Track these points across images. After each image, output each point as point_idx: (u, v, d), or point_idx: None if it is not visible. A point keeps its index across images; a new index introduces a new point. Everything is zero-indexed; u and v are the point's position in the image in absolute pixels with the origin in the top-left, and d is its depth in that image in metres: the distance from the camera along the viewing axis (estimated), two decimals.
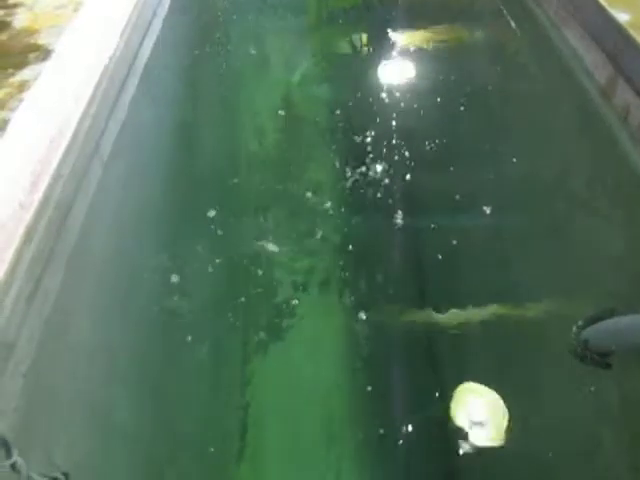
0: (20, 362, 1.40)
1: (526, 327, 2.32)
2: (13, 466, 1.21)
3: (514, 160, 2.49)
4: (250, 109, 4.22)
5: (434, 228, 3.57)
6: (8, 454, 1.22)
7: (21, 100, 1.51)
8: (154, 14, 2.39)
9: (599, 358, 1.47)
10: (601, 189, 1.78)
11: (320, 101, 4.27)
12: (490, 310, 2.67)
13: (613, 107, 1.71)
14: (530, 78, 2.40)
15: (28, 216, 1.46)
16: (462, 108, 3.08)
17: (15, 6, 1.90)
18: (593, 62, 1.83)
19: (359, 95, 4.17)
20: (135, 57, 2.23)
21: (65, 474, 1.40)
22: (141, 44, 2.29)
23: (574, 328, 1.54)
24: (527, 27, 2.35)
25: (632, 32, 1.69)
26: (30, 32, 1.77)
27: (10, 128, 1.45)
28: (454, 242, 3.27)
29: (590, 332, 1.49)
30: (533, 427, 2.16)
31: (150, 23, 2.34)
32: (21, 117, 1.49)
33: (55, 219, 1.56)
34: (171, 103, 2.76)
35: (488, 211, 2.86)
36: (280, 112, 4.10)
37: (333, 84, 4.31)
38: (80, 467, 1.52)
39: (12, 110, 1.48)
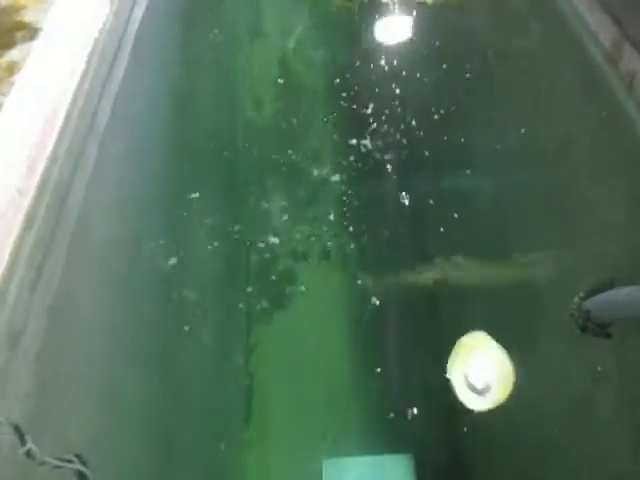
0: (29, 348, 1.41)
1: (527, 289, 2.34)
2: (27, 453, 1.24)
3: (516, 124, 2.46)
4: (247, 75, 4.14)
5: (436, 189, 3.56)
6: (22, 441, 1.24)
7: (12, 84, 1.48)
8: None
9: (599, 329, 1.49)
10: (604, 156, 1.77)
11: (318, 64, 4.19)
12: (490, 270, 2.69)
13: (618, 71, 1.68)
14: (532, 39, 2.34)
15: (27, 202, 1.45)
16: (462, 70, 3.03)
17: None
18: (598, 24, 1.79)
19: (358, 53, 4.08)
20: (125, 28, 2.17)
21: (77, 455, 1.43)
22: (131, 13, 2.23)
23: (575, 299, 1.55)
24: None
25: None
26: (16, 9, 1.71)
27: (3, 113, 1.43)
28: (455, 205, 3.26)
29: (591, 303, 1.50)
30: (534, 387, 2.20)
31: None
32: (14, 101, 1.46)
33: (54, 203, 1.55)
34: (165, 73, 2.71)
35: (490, 173, 2.84)
36: (278, 78, 4.04)
37: (331, 45, 4.22)
38: (91, 446, 1.56)
39: (4, 95, 1.45)
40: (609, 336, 1.52)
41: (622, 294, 1.42)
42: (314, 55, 4.20)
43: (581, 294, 1.56)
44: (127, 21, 2.17)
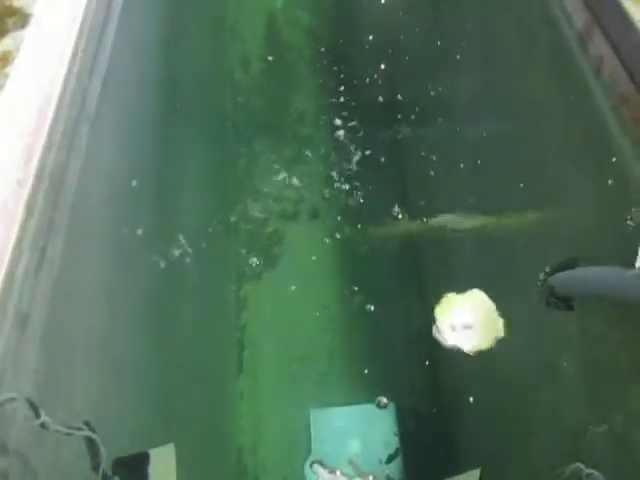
0: (36, 327, 1.53)
1: (505, 249, 2.47)
2: (42, 425, 1.37)
3: (489, 98, 2.54)
4: (236, 37, 4.11)
5: (418, 144, 3.64)
6: (37, 414, 1.37)
7: (6, 75, 1.53)
8: None
9: (562, 303, 1.62)
10: (574, 137, 1.86)
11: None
12: (472, 224, 2.81)
13: (589, 55, 1.75)
14: (510, 14, 2.39)
15: (26, 191, 1.53)
16: (444, 40, 3.06)
17: None
18: (572, 6, 1.85)
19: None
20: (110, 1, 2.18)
21: (86, 422, 1.57)
22: None
23: (542, 275, 1.68)
24: None
25: None
26: None
27: (1, 107, 1.49)
28: (437, 161, 3.36)
29: (556, 279, 1.63)
30: (511, 341, 2.36)
31: None
32: (9, 94, 1.52)
33: (51, 190, 1.63)
34: (152, 43, 2.72)
35: (466, 139, 2.92)
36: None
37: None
38: (97, 412, 1.70)
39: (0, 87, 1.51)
40: (571, 309, 1.66)
41: (585, 273, 1.55)
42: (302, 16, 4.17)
43: (547, 270, 1.69)
44: None
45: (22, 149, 1.54)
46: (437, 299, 2.62)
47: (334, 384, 3.35)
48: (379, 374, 3.29)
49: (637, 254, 1.38)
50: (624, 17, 1.57)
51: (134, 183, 2.21)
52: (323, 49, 4.16)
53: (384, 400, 3.03)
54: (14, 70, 1.56)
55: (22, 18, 1.65)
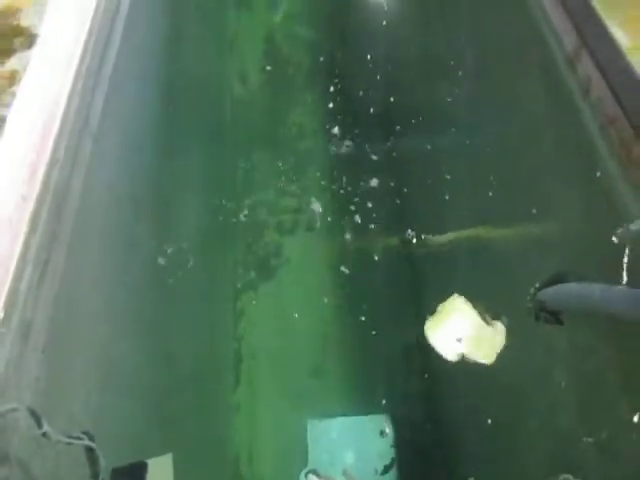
0: (38, 338, 1.57)
1: (498, 261, 2.51)
2: (44, 434, 1.41)
3: (482, 114, 2.60)
4: (236, 52, 4.18)
5: (415, 158, 3.69)
6: (39, 425, 1.41)
7: (13, 94, 1.58)
8: None
9: (552, 318, 1.67)
10: (564, 154, 1.91)
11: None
12: (468, 236, 2.85)
13: (577, 76, 1.81)
14: (502, 34, 2.45)
15: (30, 206, 1.58)
16: (440, 56, 3.12)
17: None
18: (562, 28, 1.91)
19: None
20: (114, 20, 2.24)
21: (86, 432, 1.61)
22: (119, 4, 2.29)
23: (532, 289, 1.73)
24: None
25: (596, 4, 1.75)
26: (13, 11, 1.79)
27: (8, 124, 1.54)
28: (435, 174, 3.40)
29: (545, 294, 1.67)
30: (503, 353, 2.39)
31: None
32: (16, 112, 1.57)
33: (55, 203, 1.67)
34: (153, 59, 2.78)
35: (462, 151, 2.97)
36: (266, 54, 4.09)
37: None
38: (98, 422, 1.74)
39: (6, 106, 1.56)
40: (561, 323, 1.71)
41: (572, 288, 1.59)
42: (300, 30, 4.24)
43: (537, 284, 1.73)
44: (115, 13, 2.24)
45: (27, 164, 1.59)
46: (432, 310, 2.66)
47: (331, 395, 3.38)
48: (375, 385, 3.33)
49: (622, 270, 1.43)
50: (611, 41, 1.63)
51: (134, 197, 2.26)
52: (321, 63, 4.23)
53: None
54: (21, 89, 1.61)
55: (29, 38, 1.70)
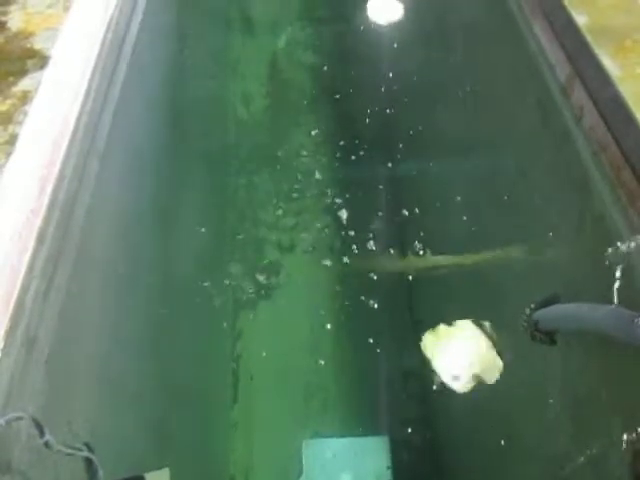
0: (41, 352, 1.60)
1: (493, 283, 2.55)
2: (46, 444, 1.44)
3: (480, 140, 2.66)
4: (240, 75, 4.26)
5: (415, 184, 3.75)
6: (41, 434, 1.44)
7: (25, 113, 1.64)
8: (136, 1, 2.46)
9: (546, 337, 1.70)
10: (557, 178, 1.97)
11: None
12: (464, 262, 2.89)
13: (571, 105, 1.87)
14: (500, 64, 2.53)
15: (39, 221, 1.62)
16: (440, 83, 3.20)
17: (8, 3, 1.97)
18: (555, 59, 1.97)
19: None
20: (122, 44, 2.31)
21: (86, 444, 1.63)
22: (127, 29, 2.37)
23: (527, 310, 1.77)
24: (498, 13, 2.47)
25: (588, 36, 1.82)
26: (26, 35, 1.86)
27: (20, 141, 1.59)
28: (433, 198, 3.45)
29: (539, 315, 1.71)
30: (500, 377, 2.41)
31: (133, 9, 2.41)
32: (29, 130, 1.62)
33: (61, 219, 1.72)
34: (159, 81, 2.85)
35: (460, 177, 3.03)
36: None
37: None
38: (97, 434, 1.76)
39: (19, 124, 1.61)
40: (554, 343, 1.74)
41: (565, 309, 1.63)
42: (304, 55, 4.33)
43: (532, 305, 1.77)
44: (123, 38, 2.31)
45: (37, 180, 1.64)
46: (432, 331, 2.67)
47: (328, 415, 3.38)
48: (372, 406, 3.34)
49: (613, 290, 1.47)
50: (602, 72, 1.69)
51: (138, 215, 2.31)
52: (324, 87, 4.32)
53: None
54: (32, 108, 1.67)
55: (41, 60, 1.77)
